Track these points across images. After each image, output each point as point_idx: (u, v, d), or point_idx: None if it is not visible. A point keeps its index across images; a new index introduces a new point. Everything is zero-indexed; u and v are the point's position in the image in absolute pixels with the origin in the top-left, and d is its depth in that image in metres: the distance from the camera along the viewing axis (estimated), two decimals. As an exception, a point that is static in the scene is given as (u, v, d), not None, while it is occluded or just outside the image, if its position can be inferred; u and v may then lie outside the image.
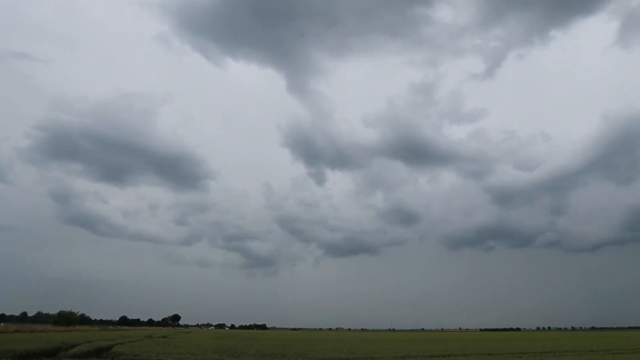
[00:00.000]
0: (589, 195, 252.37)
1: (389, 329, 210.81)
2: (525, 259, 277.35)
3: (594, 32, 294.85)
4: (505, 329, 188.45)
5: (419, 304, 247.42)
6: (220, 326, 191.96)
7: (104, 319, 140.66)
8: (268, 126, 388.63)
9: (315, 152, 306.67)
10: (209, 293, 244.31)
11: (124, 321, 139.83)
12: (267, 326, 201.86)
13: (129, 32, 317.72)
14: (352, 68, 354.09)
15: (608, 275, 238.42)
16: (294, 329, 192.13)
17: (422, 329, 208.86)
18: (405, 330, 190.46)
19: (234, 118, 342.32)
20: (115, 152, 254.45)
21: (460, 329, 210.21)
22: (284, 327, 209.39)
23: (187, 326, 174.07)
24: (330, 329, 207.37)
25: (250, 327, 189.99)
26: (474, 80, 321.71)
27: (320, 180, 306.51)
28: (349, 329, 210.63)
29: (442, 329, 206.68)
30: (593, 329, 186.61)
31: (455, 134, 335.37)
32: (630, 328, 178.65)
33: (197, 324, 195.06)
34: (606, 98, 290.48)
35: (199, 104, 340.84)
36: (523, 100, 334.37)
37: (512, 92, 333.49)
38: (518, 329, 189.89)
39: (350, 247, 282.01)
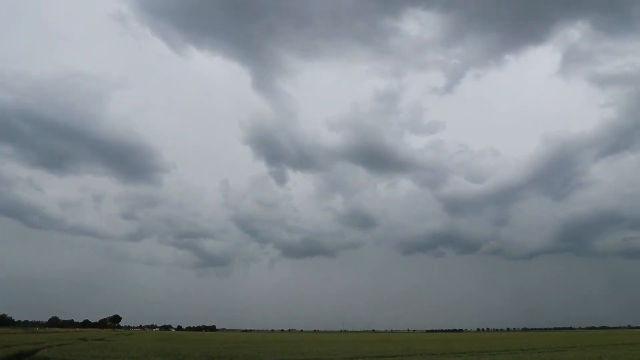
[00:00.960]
0: (528, 208, 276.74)
1: (341, 330, 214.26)
2: (470, 265, 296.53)
3: (541, 60, 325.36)
4: (449, 330, 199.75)
5: (371, 306, 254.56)
6: (166, 328, 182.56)
7: (29, 320, 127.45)
8: (230, 122, 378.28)
9: (278, 151, 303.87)
10: (156, 293, 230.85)
11: (54, 322, 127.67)
12: (217, 327, 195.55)
13: (82, 6, 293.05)
14: (320, 70, 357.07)
15: (540, 281, 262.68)
16: (245, 331, 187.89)
17: (373, 330, 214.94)
18: (356, 332, 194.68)
19: (194, 111, 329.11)
20: (55, 137, 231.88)
21: (408, 330, 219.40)
22: (235, 328, 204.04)
23: (128, 328, 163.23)
24: (282, 330, 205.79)
25: (198, 329, 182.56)
26: (435, 94, 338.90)
27: (281, 180, 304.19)
28: (302, 331, 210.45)
29: (392, 331, 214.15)
30: (525, 329, 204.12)
31: (414, 144, 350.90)
32: (556, 329, 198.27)
33: (140, 326, 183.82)
34: (547, 121, 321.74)
35: (157, 92, 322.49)
36: (477, 117, 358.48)
37: (468, 109, 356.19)
38: (461, 330, 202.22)
39: (307, 249, 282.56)
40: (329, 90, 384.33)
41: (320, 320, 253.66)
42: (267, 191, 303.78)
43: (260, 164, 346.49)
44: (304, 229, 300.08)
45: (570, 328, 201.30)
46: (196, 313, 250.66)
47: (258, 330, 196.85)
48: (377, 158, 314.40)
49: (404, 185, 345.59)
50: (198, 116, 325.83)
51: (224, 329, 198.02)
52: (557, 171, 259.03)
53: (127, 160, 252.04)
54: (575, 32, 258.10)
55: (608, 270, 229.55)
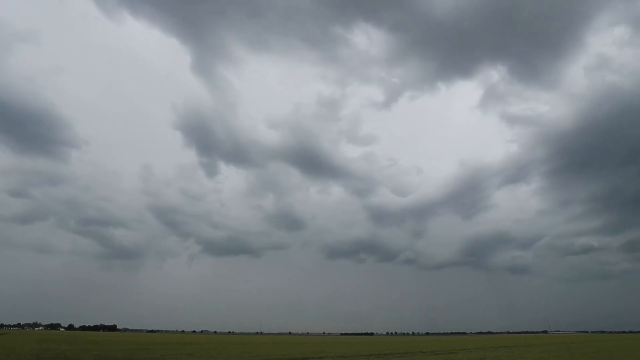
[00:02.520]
0: (441, 224, 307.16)
1: (257, 333, 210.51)
2: (387, 272, 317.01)
3: (466, 93, 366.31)
4: (361, 334, 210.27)
5: (290, 309, 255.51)
6: (54, 327, 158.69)
7: None
8: (161, 103, 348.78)
9: (212, 142, 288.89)
10: (44, 285, 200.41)
11: None
12: (118, 327, 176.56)
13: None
14: (266, 66, 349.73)
15: (444, 291, 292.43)
16: (152, 331, 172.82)
17: (290, 333, 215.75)
18: (272, 334, 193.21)
19: (120, 84, 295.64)
20: None
21: (324, 333, 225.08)
22: (140, 328, 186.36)
23: (1, 327, 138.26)
24: (194, 331, 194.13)
25: (95, 328, 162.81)
26: (373, 108, 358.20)
27: (211, 172, 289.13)
28: (215, 332, 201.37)
29: (308, 333, 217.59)
30: (427, 334, 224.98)
31: (349, 153, 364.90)
32: (452, 333, 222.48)
33: (19, 324, 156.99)
34: (465, 148, 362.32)
35: (76, 55, 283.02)
36: (407, 135, 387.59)
37: (400, 126, 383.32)
38: (372, 334, 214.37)
39: (231, 247, 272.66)
40: (272, 87, 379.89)
41: (236, 321, 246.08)
42: (194, 182, 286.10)
43: (191, 153, 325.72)
44: (230, 225, 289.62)
45: (463, 333, 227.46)
46: (94, 311, 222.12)
47: (167, 331, 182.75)
48: (312, 162, 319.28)
49: (335, 191, 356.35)
50: (124, 90, 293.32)
51: (126, 329, 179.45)
52: (468, 193, 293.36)
53: (26, 127, 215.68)
54: (496, 73, 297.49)
55: (497, 282, 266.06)
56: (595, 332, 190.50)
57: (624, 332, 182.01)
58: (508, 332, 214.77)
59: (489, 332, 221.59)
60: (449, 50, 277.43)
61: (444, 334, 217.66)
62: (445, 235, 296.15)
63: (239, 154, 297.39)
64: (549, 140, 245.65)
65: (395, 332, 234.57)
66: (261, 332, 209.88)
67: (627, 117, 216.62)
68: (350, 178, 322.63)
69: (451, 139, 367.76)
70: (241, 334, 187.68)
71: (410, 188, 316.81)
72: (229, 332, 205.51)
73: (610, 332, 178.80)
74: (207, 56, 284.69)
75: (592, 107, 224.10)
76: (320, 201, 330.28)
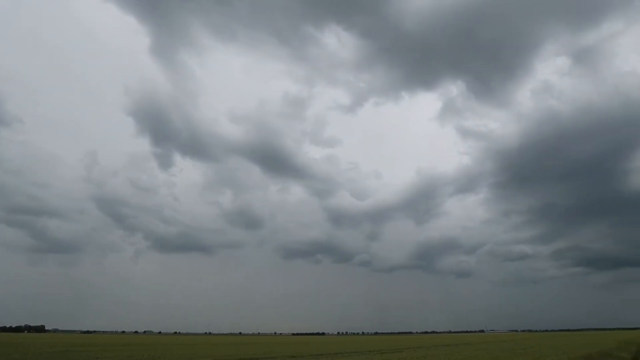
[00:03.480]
0: (396, 229, 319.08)
1: (206, 333, 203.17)
2: (342, 273, 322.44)
3: (427, 104, 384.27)
4: (313, 334, 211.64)
5: (242, 308, 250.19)
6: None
7: None
8: (112, 84, 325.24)
9: (168, 131, 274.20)
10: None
11: None
12: (47, 328, 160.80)
13: None
14: (232, 57, 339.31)
15: (395, 292, 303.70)
16: (87, 332, 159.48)
17: (240, 333, 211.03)
18: (222, 334, 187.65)
19: (65, 59, 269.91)
20: None
21: (275, 333, 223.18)
22: (72, 329, 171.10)
23: None
24: (136, 332, 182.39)
25: (18, 329, 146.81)
26: (339, 111, 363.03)
27: (165, 163, 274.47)
28: (160, 333, 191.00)
29: (259, 333, 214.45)
30: (376, 333, 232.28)
31: (312, 153, 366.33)
32: (400, 333, 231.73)
33: None
34: (422, 157, 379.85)
35: (12, 21, 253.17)
36: (369, 140, 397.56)
37: (363, 131, 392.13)
38: (323, 334, 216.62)
39: (183, 244, 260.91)
40: (237, 79, 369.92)
41: (184, 321, 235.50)
42: (145, 173, 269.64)
43: (143, 142, 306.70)
44: (182, 221, 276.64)
45: (410, 332, 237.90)
46: (18, 309, 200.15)
47: (104, 332, 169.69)
48: (274, 160, 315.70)
49: (296, 191, 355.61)
50: (69, 67, 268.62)
51: (56, 330, 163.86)
52: (422, 200, 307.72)
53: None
54: (455, 88, 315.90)
55: (443, 285, 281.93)
56: (523, 331, 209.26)
57: (546, 330, 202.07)
58: (450, 332, 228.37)
59: (433, 332, 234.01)
60: (414, 62, 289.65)
61: (391, 333, 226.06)
62: (399, 239, 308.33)
63: (197, 146, 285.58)
64: (497, 155, 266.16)
65: (346, 332, 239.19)
66: (210, 333, 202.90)
67: (563, 140, 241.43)
68: (312, 179, 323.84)
69: (410, 147, 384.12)
70: (188, 334, 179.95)
71: (369, 192, 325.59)
72: (175, 332, 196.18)
73: (536, 331, 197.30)
74: (168, 39, 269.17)
75: (535, 127, 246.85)
76: (280, 200, 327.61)
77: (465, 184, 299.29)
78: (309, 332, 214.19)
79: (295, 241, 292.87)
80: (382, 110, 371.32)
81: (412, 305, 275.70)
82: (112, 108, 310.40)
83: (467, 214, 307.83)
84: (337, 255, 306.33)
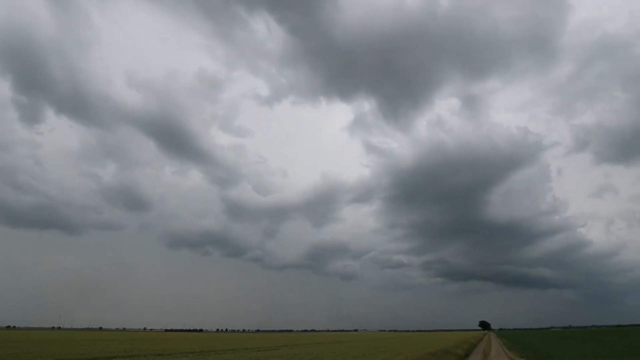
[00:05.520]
0: (293, 228, 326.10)
1: (54, 327, 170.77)
2: (231, 268, 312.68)
3: (342, 114, 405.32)
4: (189, 330, 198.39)
5: (107, 299, 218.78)
6: None
7: None
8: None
9: (41, 79, 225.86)
10: None
11: None
12: None
13: None
14: (145, 14, 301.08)
15: (283, 290, 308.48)
16: None
17: (101, 328, 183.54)
18: (76, 329, 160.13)
19: None
20: None
21: (145, 329, 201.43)
22: None
23: None
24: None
25: None
26: (255, 101, 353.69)
27: (30, 117, 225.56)
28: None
29: (125, 329, 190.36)
30: (258, 331, 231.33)
31: (219, 139, 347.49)
32: (281, 331, 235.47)
33: None
34: (329, 162, 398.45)
35: None
36: (282, 137, 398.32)
37: (277, 127, 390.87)
38: (201, 330, 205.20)
39: (39, 218, 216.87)
40: (147, 41, 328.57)
41: (29, 314, 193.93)
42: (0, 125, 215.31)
43: (2, 84, 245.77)
44: (43, 191, 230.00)
45: (291, 330, 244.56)
46: None
47: None
48: (175, 138, 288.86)
49: (194, 176, 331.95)
50: None
51: None
52: (322, 204, 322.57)
53: None
54: (367, 105, 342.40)
55: (328, 286, 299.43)
56: (390, 330, 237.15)
57: (408, 331, 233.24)
58: (328, 330, 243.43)
59: (313, 330, 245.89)
60: (337, 71, 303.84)
61: (273, 331, 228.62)
62: (295, 239, 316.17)
63: (80, 105, 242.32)
64: (393, 172, 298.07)
65: (226, 329, 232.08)
66: (60, 327, 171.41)
67: (445, 168, 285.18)
68: (214, 166, 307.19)
69: (319, 151, 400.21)
70: (27, 329, 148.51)
71: (273, 189, 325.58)
72: (9, 326, 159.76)
73: (401, 331, 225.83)
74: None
75: (426, 154, 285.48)
76: (174, 183, 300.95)
77: (363, 194, 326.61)
78: (184, 329, 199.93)
79: (184, 229, 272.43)
80: (298, 110, 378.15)
81: (297, 304, 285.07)
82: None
83: (359, 222, 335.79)
84: (229, 249, 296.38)
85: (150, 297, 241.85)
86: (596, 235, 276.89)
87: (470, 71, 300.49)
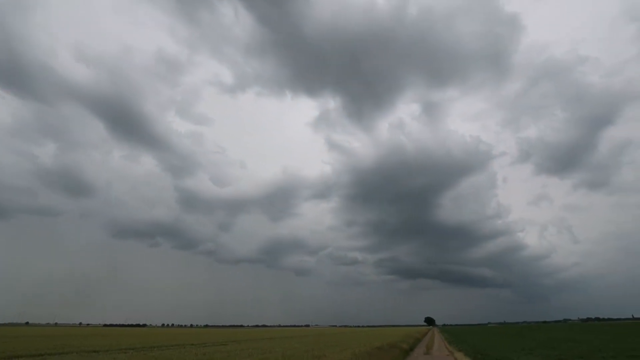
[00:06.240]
0: (250, 222, 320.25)
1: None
2: (182, 261, 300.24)
3: (307, 110, 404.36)
4: (132, 325, 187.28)
5: (37, 292, 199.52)
6: None
7: None
8: None
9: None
10: None
11: None
12: None
13: None
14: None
15: (236, 285, 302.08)
16: None
17: (27, 323, 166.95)
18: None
19: None
20: None
21: (81, 324, 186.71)
22: None
23: None
24: None
25: None
26: (218, 88, 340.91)
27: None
28: None
29: (56, 324, 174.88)
30: (207, 326, 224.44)
31: (176, 126, 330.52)
32: (231, 326, 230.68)
33: None
34: (291, 157, 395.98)
35: None
36: (243, 128, 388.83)
37: (239, 117, 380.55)
38: (145, 325, 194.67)
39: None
40: (102, 13, 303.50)
41: None
42: None
43: None
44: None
45: (241, 326, 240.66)
46: None
47: None
48: (127, 120, 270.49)
49: (146, 162, 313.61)
50: None
51: None
52: (281, 198, 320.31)
53: None
54: (333, 102, 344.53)
55: (282, 281, 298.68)
56: (342, 326, 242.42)
57: (359, 326, 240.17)
58: (280, 326, 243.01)
59: (264, 325, 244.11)
60: (305, 66, 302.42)
61: (223, 326, 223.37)
62: (251, 233, 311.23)
63: (15, 75, 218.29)
64: (353, 171, 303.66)
65: (173, 324, 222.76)
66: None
67: (403, 171, 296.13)
68: (169, 153, 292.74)
69: (282, 145, 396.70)
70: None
71: (231, 180, 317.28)
72: None
73: (352, 326, 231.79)
74: None
75: (386, 155, 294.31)
76: (123, 169, 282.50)
77: (322, 191, 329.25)
78: (126, 324, 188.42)
79: (132, 219, 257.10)
80: (263, 101, 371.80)
81: (249, 299, 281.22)
82: None
83: (317, 218, 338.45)
84: (180, 241, 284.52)
85: (88, 289, 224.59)
86: (532, 239, 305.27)
87: (432, 79, 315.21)
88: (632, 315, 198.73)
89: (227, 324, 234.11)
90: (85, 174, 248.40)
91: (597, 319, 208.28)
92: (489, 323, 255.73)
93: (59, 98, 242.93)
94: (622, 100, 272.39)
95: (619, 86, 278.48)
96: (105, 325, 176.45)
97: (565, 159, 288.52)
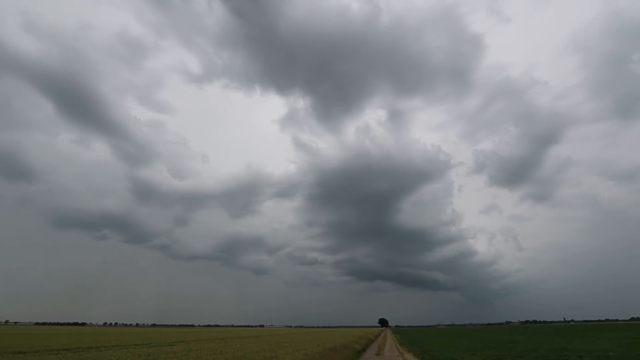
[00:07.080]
0: (208, 217, 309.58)
1: None
2: (131, 255, 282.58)
3: (276, 106, 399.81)
4: (69, 324, 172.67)
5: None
6: None
7: None
8: None
9: None
10: None
11: None
12: None
13: None
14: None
15: (188, 282, 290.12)
16: None
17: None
18: None
19: None
20: None
21: (7, 322, 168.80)
22: None
23: None
24: None
25: None
26: (183, 76, 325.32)
27: None
28: None
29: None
30: (154, 325, 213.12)
31: (135, 112, 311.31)
32: (182, 325, 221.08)
33: None
34: (256, 152, 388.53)
35: None
36: (208, 120, 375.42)
37: (206, 109, 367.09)
38: (84, 324, 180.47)
39: None
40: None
41: None
42: None
43: None
44: None
45: (192, 325, 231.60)
46: None
47: None
48: (78, 102, 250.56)
49: (98, 148, 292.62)
50: None
51: None
52: (243, 195, 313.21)
53: None
54: (302, 102, 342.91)
55: (239, 280, 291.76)
56: (296, 326, 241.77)
57: (313, 327, 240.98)
58: (232, 326, 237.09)
59: (216, 325, 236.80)
60: (277, 63, 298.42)
61: (172, 326, 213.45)
62: (208, 229, 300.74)
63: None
64: (318, 172, 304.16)
65: (116, 323, 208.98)
66: None
67: (366, 174, 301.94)
68: (125, 140, 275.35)
69: (247, 140, 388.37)
70: None
71: (191, 173, 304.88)
72: None
73: (306, 327, 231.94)
74: None
75: (351, 158, 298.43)
76: (72, 153, 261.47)
77: (286, 190, 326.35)
78: (62, 322, 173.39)
79: (78, 208, 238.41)
80: (230, 95, 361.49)
81: (202, 297, 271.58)
82: None
83: (278, 217, 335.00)
84: (131, 234, 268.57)
85: (19, 283, 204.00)
86: (481, 246, 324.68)
87: (399, 87, 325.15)
88: (564, 318, 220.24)
89: (177, 324, 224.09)
90: (25, 156, 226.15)
91: (535, 321, 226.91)
92: (438, 325, 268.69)
93: (3, 72, 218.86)
94: (566, 123, 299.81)
95: (564, 109, 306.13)
96: (36, 324, 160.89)
97: (515, 172, 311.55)
